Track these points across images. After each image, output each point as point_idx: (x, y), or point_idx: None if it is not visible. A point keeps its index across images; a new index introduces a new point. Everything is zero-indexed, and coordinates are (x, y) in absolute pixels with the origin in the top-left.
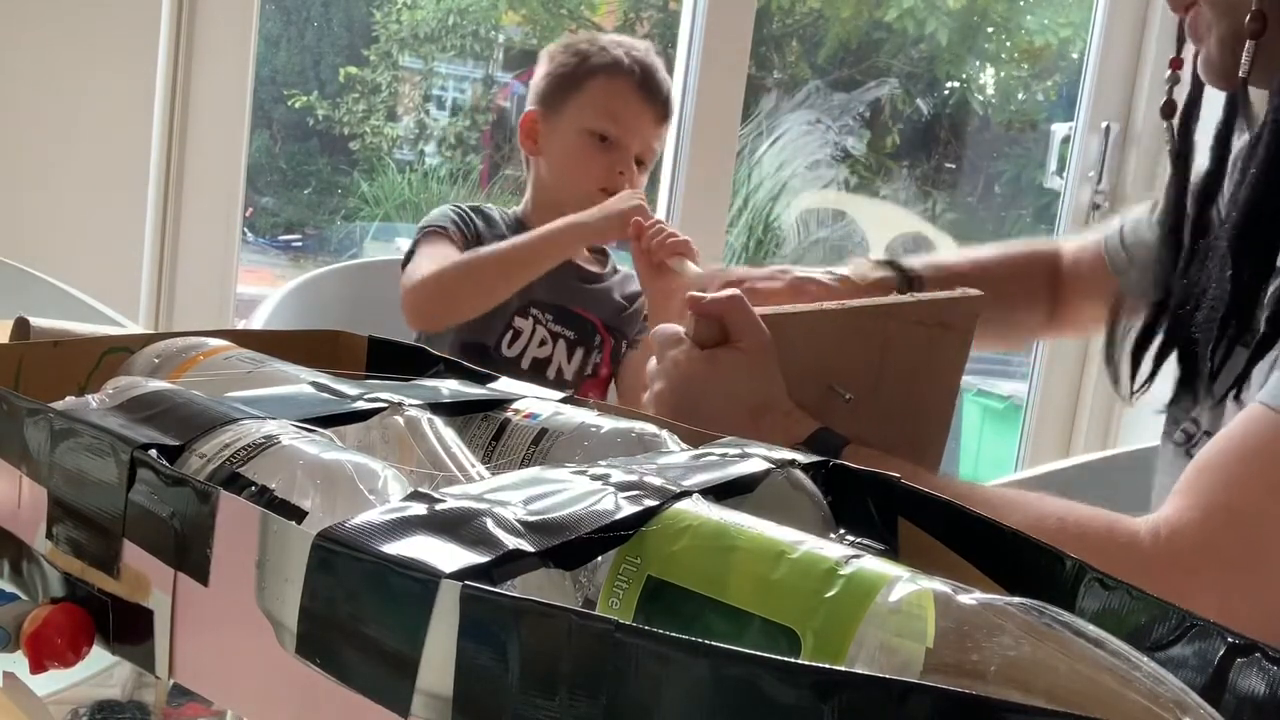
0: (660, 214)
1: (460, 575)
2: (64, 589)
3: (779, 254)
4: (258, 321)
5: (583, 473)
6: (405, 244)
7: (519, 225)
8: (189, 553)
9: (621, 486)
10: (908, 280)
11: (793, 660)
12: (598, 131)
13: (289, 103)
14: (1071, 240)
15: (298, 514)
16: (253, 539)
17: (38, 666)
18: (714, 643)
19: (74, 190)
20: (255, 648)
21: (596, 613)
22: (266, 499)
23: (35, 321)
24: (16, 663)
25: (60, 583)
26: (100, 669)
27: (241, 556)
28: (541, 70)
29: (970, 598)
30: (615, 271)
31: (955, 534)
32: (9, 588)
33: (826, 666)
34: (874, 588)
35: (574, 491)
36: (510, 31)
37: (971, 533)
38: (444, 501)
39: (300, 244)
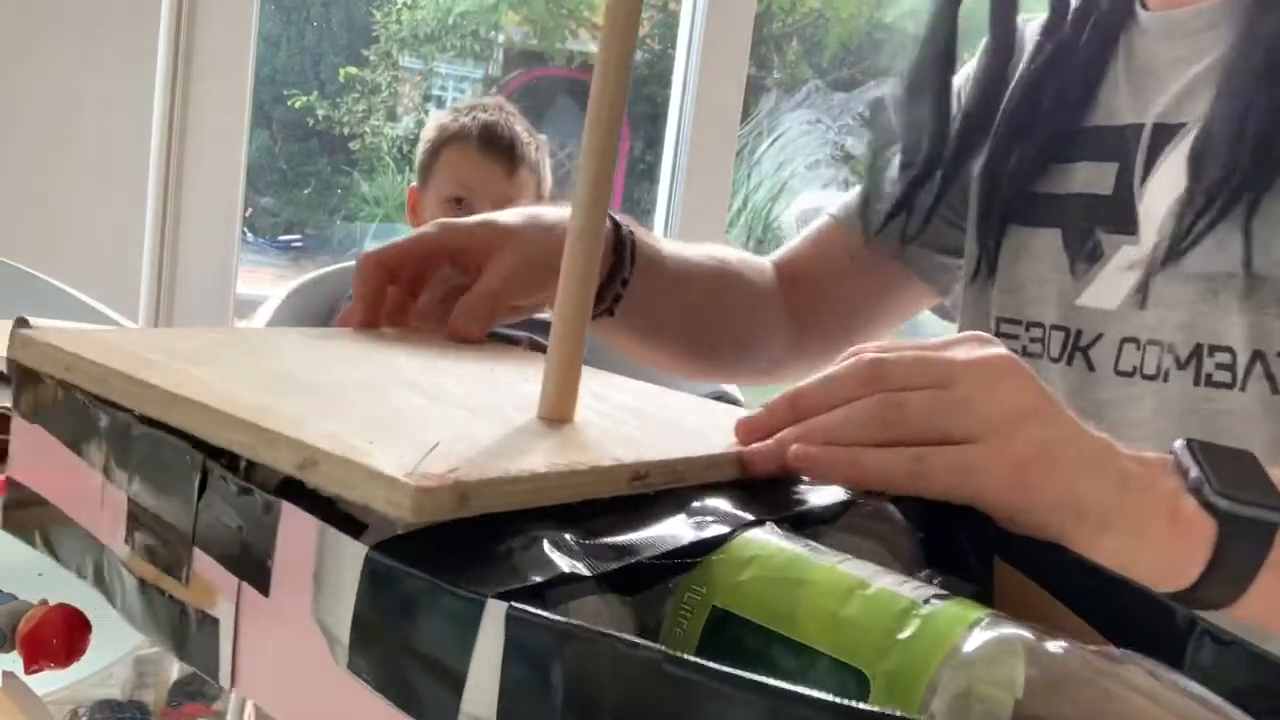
0: (660, 214)
1: (507, 596)
2: (138, 594)
3: None
4: (258, 321)
5: None
6: None
7: None
8: (252, 562)
9: (690, 510)
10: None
11: (857, 705)
12: (452, 197)
13: (289, 103)
14: (761, 258)
15: (362, 527)
16: (310, 550)
17: (31, 666)
18: (767, 680)
19: (74, 190)
20: (312, 661)
21: (644, 641)
22: (334, 509)
23: (35, 322)
24: (16, 662)
25: (135, 588)
26: (100, 669)
27: (300, 568)
28: (419, 148)
29: (1058, 645)
30: None
31: (1054, 576)
32: (93, 589)
33: (896, 714)
34: (951, 631)
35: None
36: (511, 32)
37: (1071, 575)
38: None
39: (300, 244)
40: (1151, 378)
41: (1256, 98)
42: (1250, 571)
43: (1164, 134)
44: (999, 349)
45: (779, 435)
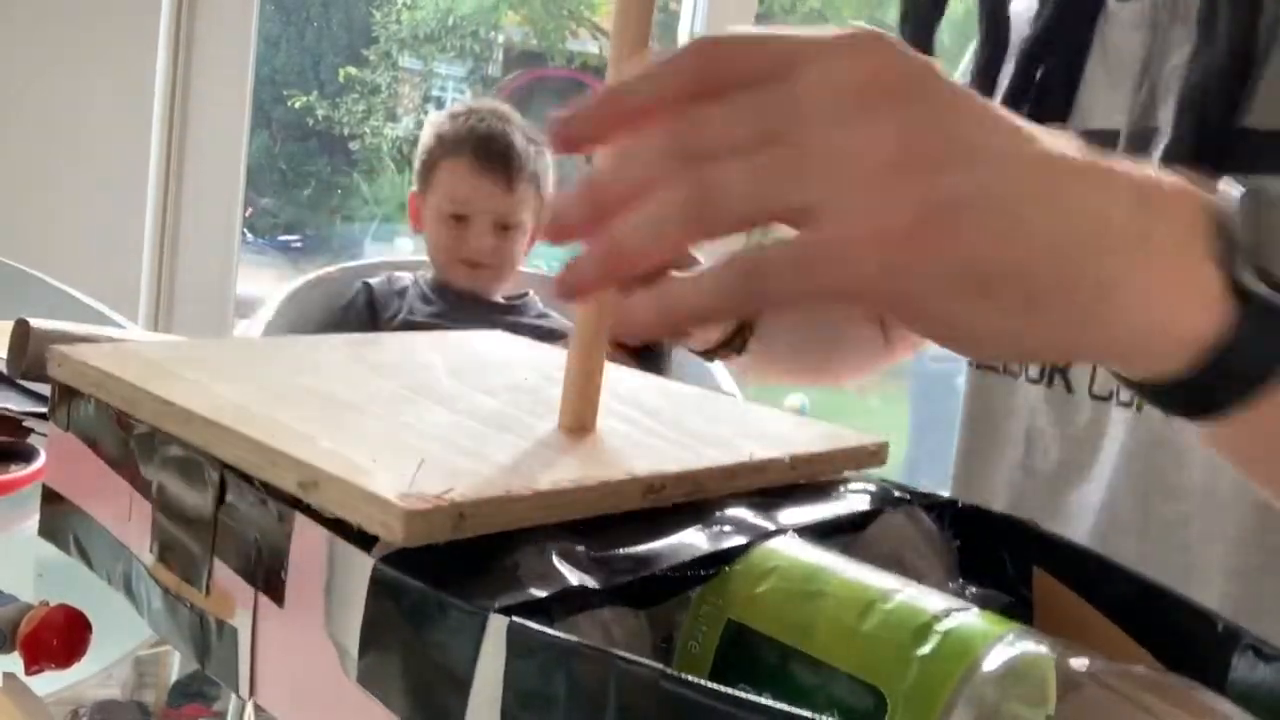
0: None
1: (512, 610)
2: (163, 603)
3: None
4: (259, 322)
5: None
6: (405, 244)
7: (437, 287)
8: (268, 573)
9: (710, 521)
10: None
11: None
12: (450, 213)
13: (289, 103)
14: None
15: (376, 537)
16: (321, 562)
17: (32, 667)
18: (765, 700)
19: (74, 190)
20: (325, 673)
21: (642, 659)
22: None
23: (35, 322)
24: (16, 663)
25: (161, 598)
26: (100, 669)
27: (312, 579)
28: (417, 153)
29: (1081, 661)
30: (525, 295)
31: (1096, 587)
32: (126, 601)
33: None
34: (973, 646)
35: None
36: (510, 32)
37: (1114, 586)
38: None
39: (300, 244)
40: (1126, 405)
41: (1211, 112)
42: (1260, 378)
43: (1139, 142)
44: (868, 42)
45: (576, 266)
